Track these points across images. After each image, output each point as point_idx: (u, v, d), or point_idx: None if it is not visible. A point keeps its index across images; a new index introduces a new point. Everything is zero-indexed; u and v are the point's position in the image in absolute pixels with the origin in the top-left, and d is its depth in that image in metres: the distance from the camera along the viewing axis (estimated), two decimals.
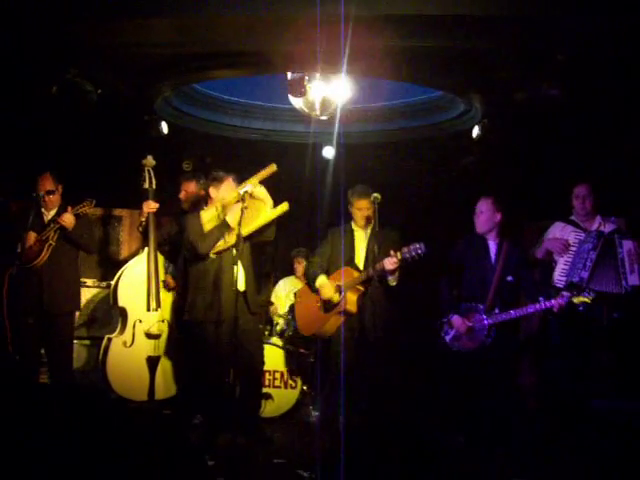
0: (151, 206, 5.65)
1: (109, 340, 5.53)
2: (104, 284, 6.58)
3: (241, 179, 5.17)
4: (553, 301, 4.79)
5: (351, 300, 5.23)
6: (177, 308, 5.51)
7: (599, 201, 5.15)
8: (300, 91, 5.77)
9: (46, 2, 4.73)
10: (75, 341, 6.03)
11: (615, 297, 4.90)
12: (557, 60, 5.12)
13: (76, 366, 6.01)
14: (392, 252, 5.01)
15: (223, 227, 5.03)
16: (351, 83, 6.04)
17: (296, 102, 6.18)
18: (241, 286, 4.99)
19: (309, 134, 7.66)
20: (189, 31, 5.09)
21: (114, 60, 5.64)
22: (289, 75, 5.80)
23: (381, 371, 5.28)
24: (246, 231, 5.01)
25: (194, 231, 5.08)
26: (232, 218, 4.98)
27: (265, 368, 5.58)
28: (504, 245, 5.17)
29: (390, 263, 5.02)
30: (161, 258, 5.71)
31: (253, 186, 5.02)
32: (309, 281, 5.60)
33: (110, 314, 6.21)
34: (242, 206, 4.81)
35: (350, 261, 5.37)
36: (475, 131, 6.76)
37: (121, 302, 5.60)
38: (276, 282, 7.44)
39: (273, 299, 7.18)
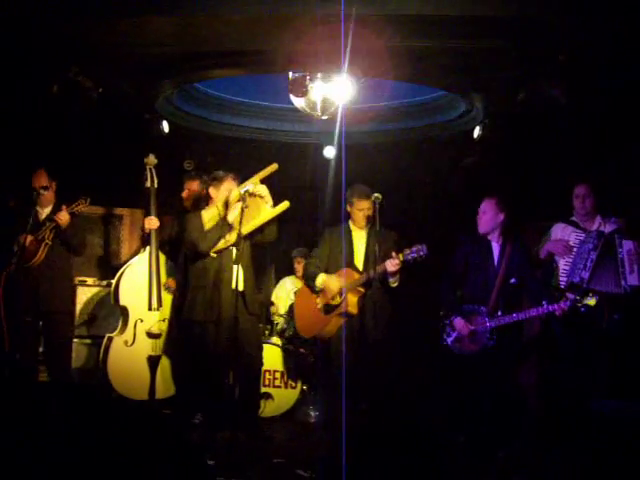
0: (152, 223, 5.64)
1: (110, 339, 5.53)
2: (104, 283, 6.58)
3: (242, 178, 5.17)
4: (556, 305, 4.78)
5: (352, 301, 5.22)
6: (177, 307, 5.52)
7: (599, 201, 5.15)
8: (301, 91, 5.77)
9: (47, 1, 4.73)
10: (75, 340, 6.04)
11: (615, 297, 4.90)
12: (558, 60, 5.11)
13: (76, 365, 6.02)
14: (394, 254, 5.02)
15: (224, 225, 5.04)
16: (352, 83, 6.03)
17: (297, 102, 6.18)
18: (240, 286, 4.99)
19: (310, 134, 7.66)
20: (190, 30, 5.08)
21: (115, 59, 5.64)
22: (290, 75, 5.80)
23: (382, 372, 5.28)
24: (246, 229, 5.01)
25: (195, 229, 5.09)
26: (233, 217, 4.98)
27: (265, 368, 5.59)
28: (507, 246, 5.15)
29: (392, 265, 5.03)
30: (163, 257, 5.71)
31: (254, 185, 5.03)
32: (308, 282, 5.56)
33: (111, 313, 6.21)
34: (242, 205, 4.82)
35: (350, 262, 5.35)
36: (476, 131, 6.76)
37: (122, 301, 5.60)
38: (277, 282, 7.45)
39: (273, 299, 7.19)
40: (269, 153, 7.64)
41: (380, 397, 5.25)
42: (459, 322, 5.07)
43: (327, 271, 5.41)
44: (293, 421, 5.93)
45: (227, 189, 5.15)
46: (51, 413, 3.87)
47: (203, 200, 5.45)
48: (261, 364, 5.35)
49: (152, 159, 5.78)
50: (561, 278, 5.09)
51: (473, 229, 5.31)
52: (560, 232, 5.25)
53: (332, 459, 3.43)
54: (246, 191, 4.91)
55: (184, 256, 5.41)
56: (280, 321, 6.74)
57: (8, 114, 5.98)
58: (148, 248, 5.66)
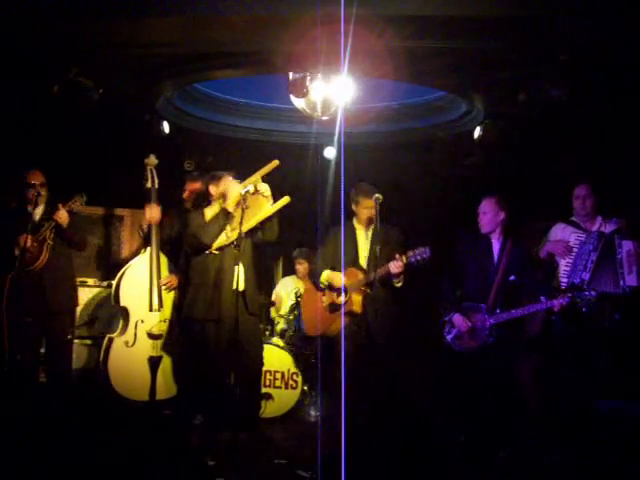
0: (154, 214, 5.64)
1: (110, 340, 5.53)
2: (105, 284, 6.59)
3: (242, 179, 5.18)
4: (554, 300, 4.80)
5: (356, 301, 5.30)
6: (178, 306, 5.52)
7: (600, 202, 5.15)
8: (302, 91, 5.76)
9: (47, 1, 4.73)
10: (76, 341, 6.04)
11: (614, 298, 4.90)
12: (559, 60, 5.11)
13: (77, 366, 6.02)
14: (397, 256, 5.08)
15: (225, 215, 5.04)
16: (353, 83, 6.03)
17: (298, 102, 6.18)
18: (241, 285, 5.00)
19: (310, 134, 7.66)
20: (191, 30, 5.08)
21: (115, 59, 5.64)
22: (291, 75, 5.79)
23: (385, 371, 5.31)
24: (247, 226, 5.01)
25: (197, 224, 5.11)
26: (233, 206, 5.00)
27: (266, 368, 5.60)
28: (507, 244, 5.16)
29: (395, 267, 5.09)
30: (163, 258, 5.71)
31: (254, 185, 5.04)
32: (314, 279, 5.66)
33: (111, 314, 6.21)
34: (243, 206, 4.82)
35: (354, 261, 5.39)
36: (477, 132, 6.76)
37: (123, 302, 5.60)
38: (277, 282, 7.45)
39: (274, 299, 7.19)
40: (269, 154, 7.60)
41: (382, 396, 5.27)
42: (458, 318, 5.09)
43: (333, 270, 5.46)
44: (293, 422, 5.92)
45: (225, 184, 5.16)
46: (51, 414, 3.88)
47: (204, 200, 5.45)
48: (262, 364, 5.35)
49: (153, 159, 5.78)
50: (562, 279, 5.10)
51: (473, 229, 5.33)
52: (560, 232, 5.25)
53: (333, 459, 3.44)
54: (247, 192, 4.91)
55: (185, 256, 5.42)
56: (280, 321, 6.74)
57: (9, 115, 5.98)
58: (149, 249, 5.66)
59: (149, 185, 5.74)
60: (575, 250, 5.05)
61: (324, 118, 6.23)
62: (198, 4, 4.70)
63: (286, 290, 7.19)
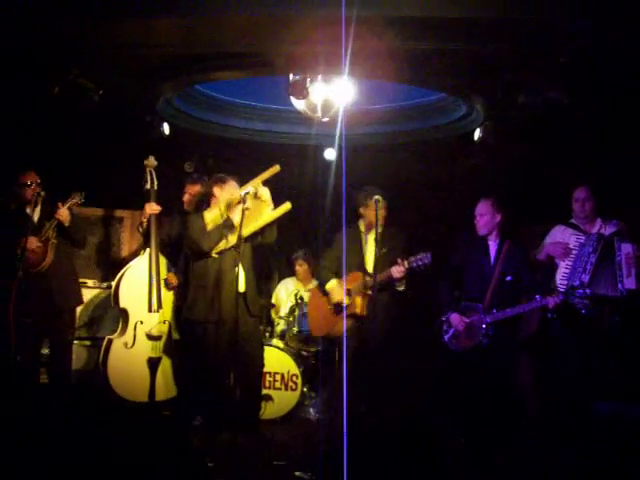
0: (153, 208, 5.65)
1: (110, 341, 5.52)
2: (105, 285, 6.58)
3: (242, 181, 5.18)
4: (549, 298, 4.87)
5: (360, 304, 5.39)
6: (178, 307, 5.52)
7: (599, 204, 5.15)
8: (302, 93, 5.77)
9: (48, 1, 4.73)
10: (75, 342, 6.03)
11: (612, 300, 4.89)
12: (559, 62, 5.11)
13: (76, 367, 6.01)
14: (399, 261, 5.18)
15: (226, 225, 5.05)
16: (353, 85, 6.04)
17: (298, 104, 6.18)
18: (241, 287, 5.01)
19: (311, 136, 7.66)
20: (191, 32, 5.09)
21: (116, 60, 5.64)
22: (291, 77, 5.80)
23: (387, 373, 5.36)
24: (247, 231, 5.03)
25: (197, 229, 5.11)
26: (235, 217, 5.00)
27: (265, 370, 5.60)
28: (505, 245, 5.21)
29: (397, 272, 5.21)
30: (163, 259, 5.70)
31: (255, 188, 5.04)
32: (320, 284, 5.76)
33: (111, 315, 6.21)
34: (243, 207, 4.82)
35: (360, 264, 5.46)
36: (477, 134, 6.76)
37: (122, 303, 5.59)
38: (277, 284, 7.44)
39: (274, 301, 7.19)
40: (269, 155, 7.62)
41: (383, 398, 5.29)
42: (455, 318, 5.16)
43: (338, 273, 5.54)
44: (293, 423, 5.92)
45: (230, 191, 5.16)
46: (52, 415, 3.87)
47: (204, 202, 5.45)
48: (262, 366, 5.36)
49: (152, 161, 5.78)
50: (560, 281, 5.09)
51: (472, 230, 5.36)
52: (560, 235, 5.25)
53: (333, 461, 3.43)
54: (247, 193, 4.91)
55: (184, 258, 5.42)
56: (280, 323, 6.73)
57: (9, 115, 5.98)
58: (148, 250, 5.65)
59: (148, 186, 5.74)
60: (574, 252, 5.04)
61: (324, 120, 6.24)
62: (199, 5, 4.70)
63: (286, 292, 7.19)
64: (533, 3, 4.63)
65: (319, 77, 5.90)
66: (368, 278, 5.35)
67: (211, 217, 5.15)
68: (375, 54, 5.26)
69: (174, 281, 5.64)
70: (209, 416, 5.17)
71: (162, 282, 5.62)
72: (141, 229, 5.82)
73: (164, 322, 5.55)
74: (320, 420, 5.88)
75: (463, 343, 5.15)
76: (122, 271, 5.68)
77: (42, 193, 5.37)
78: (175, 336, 5.57)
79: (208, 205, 5.31)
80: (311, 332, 5.99)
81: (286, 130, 7.98)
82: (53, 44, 5.18)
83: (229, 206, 5.11)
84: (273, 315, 6.97)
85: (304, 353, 6.42)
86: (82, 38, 5.13)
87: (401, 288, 5.32)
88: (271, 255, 7.67)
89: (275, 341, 6.31)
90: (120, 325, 5.63)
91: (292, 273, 7.37)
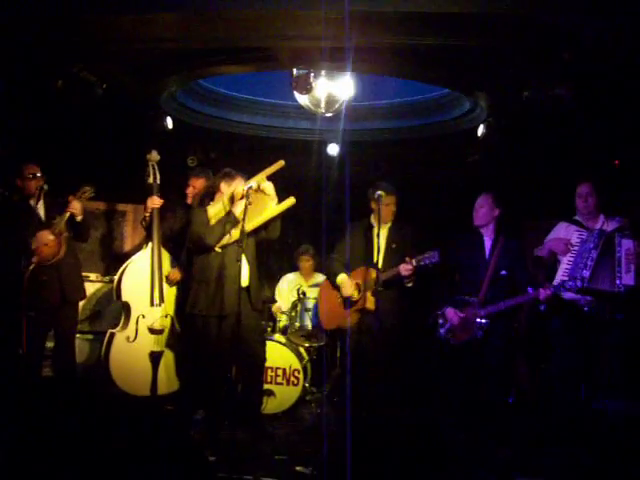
0: (155, 202, 5.65)
1: (112, 335, 5.52)
2: (107, 279, 6.59)
3: (246, 174, 5.18)
4: (541, 290, 4.92)
5: (369, 298, 5.38)
6: (180, 302, 5.52)
7: (602, 200, 5.14)
8: (306, 88, 5.77)
9: None
10: (78, 335, 6.03)
11: (610, 296, 4.88)
12: (563, 59, 5.10)
13: (79, 360, 6.01)
14: (407, 259, 5.22)
15: (230, 219, 5.04)
16: (357, 80, 6.04)
17: (301, 99, 6.18)
18: (244, 282, 5.01)
19: (314, 131, 7.66)
20: (195, 26, 5.08)
21: (120, 54, 5.64)
22: (295, 72, 5.80)
23: (393, 366, 5.43)
24: (251, 226, 5.03)
25: (200, 223, 5.10)
26: (238, 209, 5.00)
27: (267, 365, 5.59)
28: (499, 240, 5.30)
29: (405, 270, 5.24)
30: (165, 253, 5.70)
31: (257, 182, 5.03)
32: (329, 277, 5.79)
33: (113, 309, 6.21)
34: (246, 202, 4.82)
35: (370, 259, 5.46)
36: (480, 130, 6.76)
37: (124, 297, 5.59)
38: (279, 279, 7.44)
39: (276, 296, 7.19)
40: (272, 150, 7.63)
41: (389, 390, 5.35)
42: (450, 311, 5.25)
43: (350, 266, 5.58)
44: (295, 418, 5.92)
45: (237, 185, 5.15)
46: (55, 408, 3.88)
47: (208, 196, 5.44)
48: (264, 360, 5.36)
49: (154, 155, 5.77)
50: (561, 277, 5.09)
51: (470, 228, 5.46)
52: (563, 231, 5.24)
53: (334, 455, 3.44)
54: (250, 188, 4.91)
55: (187, 252, 5.41)
56: (282, 318, 6.73)
57: (13, 109, 5.98)
58: (150, 244, 5.65)
59: (151, 181, 5.73)
60: (576, 248, 5.04)
61: (328, 115, 6.24)
62: (203, 0, 4.70)
63: (288, 286, 7.19)
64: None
65: (323, 72, 5.90)
66: (377, 274, 5.37)
67: (214, 211, 5.15)
68: (379, 50, 5.26)
69: (176, 277, 5.64)
70: (211, 410, 5.18)
71: (164, 277, 5.63)
72: (144, 223, 5.81)
73: (166, 316, 5.56)
74: (322, 415, 5.88)
75: (458, 337, 5.21)
76: (124, 265, 5.68)
77: (45, 186, 5.36)
78: (177, 330, 5.58)
79: (212, 199, 5.30)
80: (322, 324, 6.00)
81: (289, 125, 7.99)
82: (56, 38, 5.18)
83: (232, 200, 5.11)
84: (274, 310, 6.97)
85: (308, 346, 6.43)
86: (85, 32, 5.13)
87: (410, 284, 5.36)
88: (273, 250, 7.68)
89: (277, 336, 6.31)
90: (122, 319, 5.62)
91: (294, 268, 7.37)
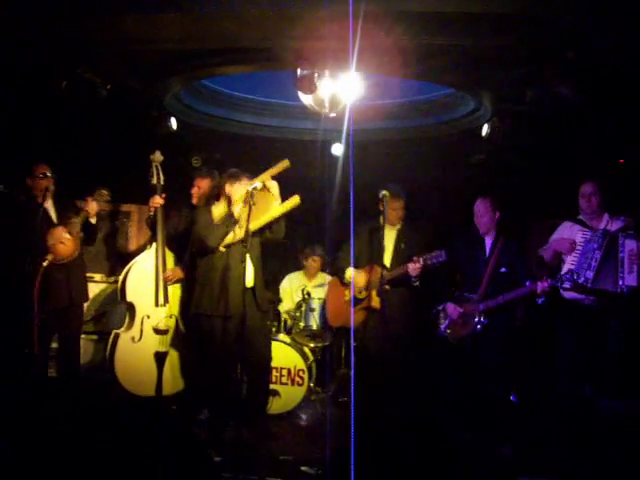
0: (156, 201, 5.65)
1: (117, 335, 5.54)
2: (112, 279, 6.60)
3: (251, 174, 5.18)
4: (538, 283, 4.95)
5: (376, 297, 5.45)
6: (184, 302, 5.53)
7: (606, 199, 5.13)
8: (309, 88, 5.76)
9: None
10: (82, 336, 6.04)
11: (613, 296, 4.87)
12: (567, 58, 5.09)
13: (83, 361, 6.02)
14: (415, 258, 5.27)
15: (230, 220, 5.04)
16: (361, 80, 6.04)
17: (305, 99, 6.18)
18: (249, 282, 5.01)
19: (318, 131, 7.65)
20: (199, 26, 5.08)
21: (123, 55, 5.64)
22: (299, 72, 5.79)
23: (399, 365, 5.45)
24: (255, 225, 5.02)
25: (204, 224, 5.11)
26: (237, 211, 5.00)
27: (272, 365, 5.60)
28: (499, 240, 5.38)
29: (413, 269, 5.28)
30: (170, 254, 5.71)
31: (262, 183, 5.03)
32: (337, 274, 5.89)
33: (118, 309, 6.22)
34: (250, 202, 4.82)
35: (379, 259, 5.49)
36: (485, 129, 6.75)
37: (129, 297, 5.61)
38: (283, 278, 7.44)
39: (281, 295, 7.18)
40: (276, 150, 7.63)
41: (395, 389, 5.37)
42: (450, 306, 5.37)
43: (358, 265, 5.62)
44: (300, 418, 5.93)
45: (240, 190, 5.13)
46: (60, 408, 3.88)
47: (213, 197, 5.45)
48: (270, 360, 5.37)
49: (158, 156, 5.78)
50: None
51: (472, 228, 5.54)
52: (567, 231, 5.24)
53: (339, 456, 3.44)
54: (254, 188, 4.91)
55: (190, 252, 5.42)
56: (287, 318, 6.72)
57: (16, 110, 5.99)
58: (154, 244, 5.66)
59: (155, 181, 5.73)
60: (580, 248, 5.04)
61: (332, 115, 6.24)
62: (206, 0, 4.70)
63: (292, 286, 7.18)
64: None
65: (327, 72, 5.90)
66: (385, 272, 5.42)
67: (219, 211, 5.15)
68: (383, 49, 5.25)
69: (175, 276, 5.62)
70: (216, 410, 5.18)
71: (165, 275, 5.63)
72: (149, 221, 5.83)
73: (171, 316, 5.57)
74: (327, 415, 5.88)
75: (458, 332, 5.31)
76: (129, 265, 5.70)
77: (51, 187, 5.37)
78: (182, 330, 5.58)
79: (217, 200, 5.31)
80: (329, 322, 6.07)
81: (293, 125, 7.98)
82: (60, 39, 5.19)
83: (235, 201, 5.11)
84: (280, 309, 6.95)
85: (312, 346, 6.43)
86: (89, 33, 5.13)
87: (417, 284, 5.41)
88: (277, 250, 7.67)
89: (282, 336, 6.31)
90: (127, 319, 5.64)
91: (298, 267, 7.36)
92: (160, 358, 5.45)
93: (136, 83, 6.19)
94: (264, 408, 5.40)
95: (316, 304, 6.50)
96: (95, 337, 6.37)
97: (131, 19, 4.91)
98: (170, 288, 5.62)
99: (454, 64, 5.79)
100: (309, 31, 4.90)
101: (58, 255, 5.25)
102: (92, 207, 5.43)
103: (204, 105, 7.62)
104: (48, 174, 5.40)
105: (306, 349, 6.38)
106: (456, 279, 5.60)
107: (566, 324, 5.12)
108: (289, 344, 6.15)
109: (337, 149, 7.46)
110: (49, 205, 5.46)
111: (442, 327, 5.37)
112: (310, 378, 6.09)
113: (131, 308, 5.61)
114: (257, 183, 5.00)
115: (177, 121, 6.83)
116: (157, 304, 5.54)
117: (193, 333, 5.39)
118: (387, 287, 5.39)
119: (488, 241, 5.44)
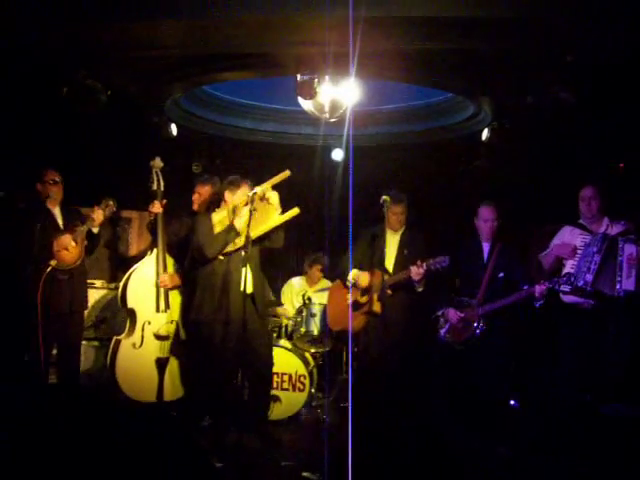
0: (156, 207, 5.65)
1: (118, 341, 5.52)
2: (112, 285, 6.59)
3: (252, 181, 5.17)
4: (536, 286, 4.95)
5: (376, 302, 5.43)
6: (184, 308, 5.52)
7: (606, 203, 5.14)
8: (310, 93, 5.77)
9: (56, 3, 4.74)
10: (83, 342, 6.04)
11: (610, 300, 4.87)
12: (566, 62, 5.10)
13: (84, 367, 6.02)
14: (419, 262, 5.24)
15: (230, 231, 5.03)
16: (361, 85, 6.05)
17: (305, 104, 6.18)
18: (249, 288, 5.00)
19: (318, 136, 7.66)
20: (199, 33, 5.09)
21: (124, 61, 5.66)
22: (299, 77, 5.80)
23: (398, 370, 5.43)
24: (254, 234, 5.01)
25: (203, 233, 5.09)
26: (239, 223, 4.99)
27: (273, 370, 5.59)
28: (497, 245, 5.39)
29: (416, 273, 5.26)
30: (170, 260, 5.70)
31: (263, 191, 5.01)
32: (341, 277, 5.84)
33: (118, 315, 6.22)
34: (251, 208, 4.80)
35: (381, 264, 5.52)
36: (485, 134, 6.76)
37: (130, 303, 5.60)
38: (283, 283, 7.43)
39: (282, 299, 7.17)
40: (277, 156, 7.64)
41: (392, 398, 5.36)
42: (450, 311, 5.35)
43: (361, 269, 5.61)
44: (301, 424, 5.92)
45: (243, 195, 5.13)
46: (60, 415, 3.87)
47: (214, 203, 5.44)
48: (271, 365, 5.36)
49: (158, 162, 5.77)
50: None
51: (473, 234, 5.55)
52: (568, 235, 5.24)
53: (340, 461, 3.43)
54: (254, 193, 4.89)
55: (191, 259, 5.41)
56: (288, 323, 6.71)
57: (17, 116, 6.00)
58: (155, 250, 5.66)
59: (155, 187, 5.73)
60: (580, 252, 5.04)
61: (332, 120, 6.24)
62: (207, 6, 4.71)
63: (292, 291, 7.18)
64: (540, 2, 4.62)
65: (327, 78, 5.91)
66: (387, 277, 5.44)
67: (219, 218, 5.14)
68: (383, 55, 5.26)
69: (172, 282, 5.61)
70: (217, 416, 5.17)
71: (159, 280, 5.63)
72: (149, 226, 5.83)
73: (172, 322, 5.56)
74: (328, 421, 5.88)
75: (458, 336, 5.30)
76: (129, 271, 5.69)
77: (50, 194, 5.38)
78: (183, 336, 5.57)
79: (218, 206, 5.30)
80: (329, 325, 6.06)
81: (293, 131, 7.99)
82: (61, 46, 5.20)
83: (235, 210, 5.10)
84: (280, 311, 6.93)
85: (313, 352, 6.43)
86: (90, 39, 5.14)
87: (420, 289, 5.39)
88: (278, 255, 7.68)
89: (283, 342, 6.31)
90: (128, 325, 5.63)
91: (298, 273, 7.36)
92: (161, 364, 5.44)
93: (136, 89, 6.20)
94: (265, 414, 5.39)
95: (317, 309, 6.49)
96: (96, 343, 6.36)
97: (132, 25, 4.93)
98: (171, 294, 5.61)
99: (454, 69, 5.80)
100: (309, 37, 4.91)
101: (62, 262, 5.26)
102: (98, 216, 5.42)
103: (204, 111, 7.63)
104: (57, 180, 5.42)
105: (307, 354, 6.38)
106: (455, 284, 5.59)
107: (566, 327, 5.13)
108: (290, 350, 6.14)
109: (337, 154, 7.47)
110: (57, 211, 5.48)
111: (442, 332, 5.38)
112: (311, 384, 6.08)
113: (132, 314, 5.60)
114: (257, 188, 4.99)
115: (177, 127, 6.84)
116: (158, 310, 5.53)
117: (194, 339, 5.38)
118: (389, 291, 5.40)
119: (486, 246, 5.45)
